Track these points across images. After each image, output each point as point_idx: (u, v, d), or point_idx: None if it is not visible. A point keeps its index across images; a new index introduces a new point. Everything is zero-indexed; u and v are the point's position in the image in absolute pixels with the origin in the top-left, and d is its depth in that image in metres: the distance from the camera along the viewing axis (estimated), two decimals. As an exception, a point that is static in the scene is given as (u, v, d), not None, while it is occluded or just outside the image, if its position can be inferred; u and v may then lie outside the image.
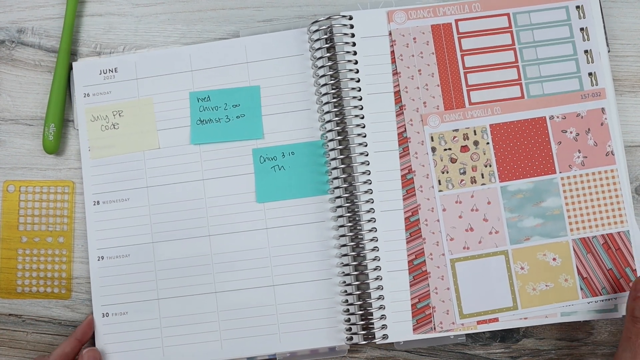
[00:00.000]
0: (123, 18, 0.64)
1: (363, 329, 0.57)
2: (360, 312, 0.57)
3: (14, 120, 0.63)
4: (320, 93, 0.60)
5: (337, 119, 0.59)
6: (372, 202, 0.59)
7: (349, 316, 0.58)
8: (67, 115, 0.63)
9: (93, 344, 0.59)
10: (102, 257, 0.60)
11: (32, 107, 0.63)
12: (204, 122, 0.61)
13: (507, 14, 0.60)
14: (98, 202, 0.61)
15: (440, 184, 0.59)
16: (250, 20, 0.63)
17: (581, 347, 0.60)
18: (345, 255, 0.58)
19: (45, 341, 0.61)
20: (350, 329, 0.58)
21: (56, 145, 0.61)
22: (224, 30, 0.63)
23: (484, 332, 0.59)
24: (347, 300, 0.58)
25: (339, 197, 0.59)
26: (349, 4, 0.63)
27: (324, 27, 0.60)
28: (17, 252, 0.62)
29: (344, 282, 0.58)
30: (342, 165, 0.59)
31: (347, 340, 0.58)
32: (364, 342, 0.57)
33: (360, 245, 0.58)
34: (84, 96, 0.62)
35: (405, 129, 0.59)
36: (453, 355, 0.60)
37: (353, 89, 0.59)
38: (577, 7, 0.60)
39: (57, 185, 0.62)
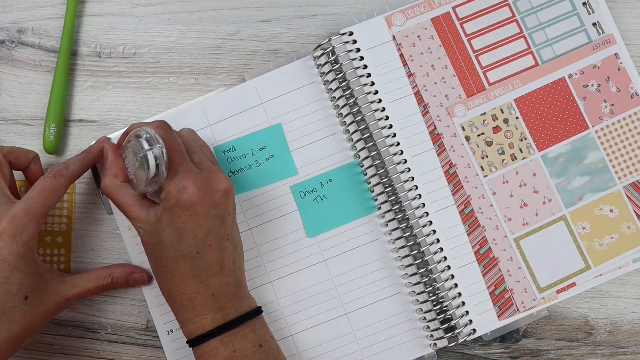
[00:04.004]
0: (123, 18, 0.63)
1: (446, 332, 0.58)
2: (441, 316, 0.58)
3: (14, 120, 0.62)
4: (342, 115, 0.59)
5: (365, 136, 0.59)
6: (424, 206, 0.59)
7: (429, 323, 0.58)
8: (67, 115, 0.62)
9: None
10: (171, 330, 0.60)
11: (32, 107, 0.62)
12: (235, 172, 0.61)
13: (499, -12, 0.61)
14: (151, 277, 0.60)
15: (483, 169, 0.59)
16: (250, 20, 0.63)
17: (581, 347, 0.60)
18: (411, 265, 0.58)
19: (45, 341, 0.61)
20: (432, 335, 0.58)
21: (57, 145, 0.61)
22: (224, 30, 0.63)
23: (485, 333, 0.59)
24: (421, 309, 0.58)
25: (389, 210, 0.59)
26: (349, 4, 0.62)
27: (328, 50, 0.59)
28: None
29: (414, 291, 0.59)
30: (384, 179, 0.59)
31: (433, 346, 0.58)
32: (452, 344, 0.58)
33: (422, 251, 0.58)
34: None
35: (434, 126, 0.60)
36: (453, 355, 0.61)
37: (373, 102, 0.59)
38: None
39: None
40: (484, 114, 0.60)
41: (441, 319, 0.58)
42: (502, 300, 0.58)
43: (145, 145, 0.49)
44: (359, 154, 0.59)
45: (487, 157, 0.59)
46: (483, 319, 0.58)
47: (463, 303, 0.58)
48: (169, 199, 0.50)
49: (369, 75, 0.59)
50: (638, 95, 0.60)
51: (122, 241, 0.61)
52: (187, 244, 0.50)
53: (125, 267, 0.59)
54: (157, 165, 0.49)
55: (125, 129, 0.55)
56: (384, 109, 0.59)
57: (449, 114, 0.60)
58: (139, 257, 0.60)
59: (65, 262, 0.61)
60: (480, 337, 0.59)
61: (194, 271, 0.51)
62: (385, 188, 0.58)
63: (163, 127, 0.51)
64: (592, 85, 0.60)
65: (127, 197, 0.52)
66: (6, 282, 0.50)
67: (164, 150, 0.49)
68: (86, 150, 0.58)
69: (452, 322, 0.58)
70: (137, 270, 0.59)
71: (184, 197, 0.49)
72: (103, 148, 0.56)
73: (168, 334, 0.60)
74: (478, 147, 0.59)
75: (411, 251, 0.58)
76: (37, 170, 0.58)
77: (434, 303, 0.58)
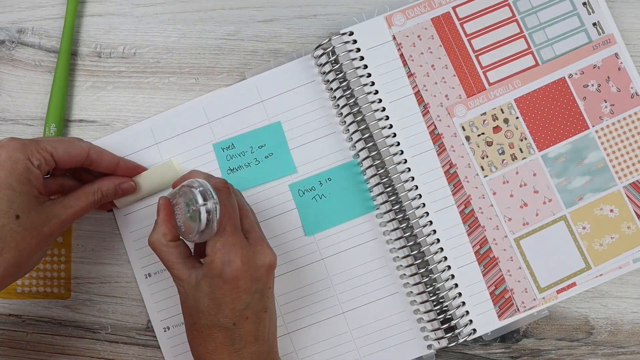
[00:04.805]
0: (123, 18, 0.63)
1: (446, 332, 0.58)
2: (441, 316, 0.58)
3: (14, 121, 0.62)
4: (342, 114, 0.59)
5: (365, 136, 0.59)
6: (424, 206, 0.59)
7: (427, 323, 0.58)
8: (67, 115, 0.62)
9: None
10: (168, 327, 0.60)
11: (32, 107, 0.63)
12: (234, 170, 0.61)
13: (499, -12, 0.61)
14: (149, 275, 0.60)
15: (483, 169, 0.59)
16: (250, 21, 0.63)
17: (581, 347, 0.60)
18: (411, 265, 0.58)
19: (45, 341, 0.61)
20: (428, 336, 0.58)
21: None
22: (224, 30, 0.63)
23: (485, 334, 0.59)
24: (420, 309, 0.58)
25: (389, 210, 0.59)
26: (349, 4, 0.62)
27: (328, 50, 0.59)
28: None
29: (412, 292, 0.58)
30: (384, 179, 0.59)
31: (432, 346, 0.58)
32: (452, 344, 0.58)
33: (422, 251, 0.58)
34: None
35: (435, 126, 0.60)
36: (453, 355, 0.61)
37: (373, 102, 0.59)
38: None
39: None
40: (484, 114, 0.60)
41: (441, 319, 0.58)
42: (502, 300, 0.58)
43: (200, 200, 0.49)
44: (359, 153, 0.59)
45: (487, 157, 0.59)
46: (483, 319, 0.58)
47: (463, 303, 0.58)
48: (212, 268, 0.49)
49: (369, 75, 0.60)
50: (638, 95, 0.60)
51: (122, 241, 0.61)
52: (225, 315, 0.49)
53: (112, 178, 0.57)
54: (207, 221, 0.49)
55: (185, 173, 0.55)
56: (384, 109, 0.59)
57: (449, 114, 0.60)
58: (137, 254, 0.60)
59: (65, 262, 0.61)
60: (480, 337, 0.59)
61: (228, 341, 0.50)
62: (385, 188, 0.58)
63: (224, 189, 0.50)
64: (592, 85, 0.60)
65: (172, 255, 0.51)
66: None
67: (217, 206, 0.49)
68: (120, 157, 0.58)
69: (453, 322, 0.57)
70: (123, 180, 0.58)
71: (228, 271, 0.49)
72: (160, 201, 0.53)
73: (165, 331, 0.60)
74: (478, 147, 0.59)
75: (411, 251, 0.58)
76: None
77: (434, 303, 0.58)
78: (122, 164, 0.57)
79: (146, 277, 0.60)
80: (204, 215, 0.48)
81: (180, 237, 0.52)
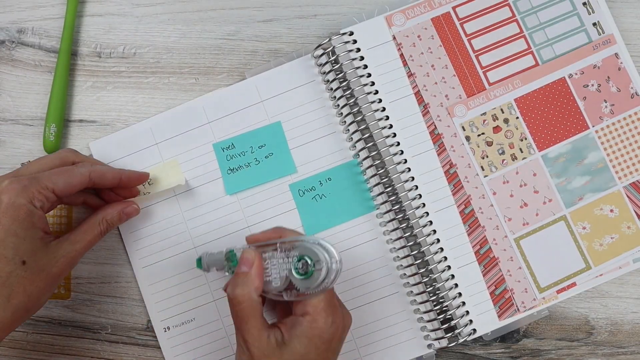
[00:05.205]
0: (123, 18, 0.63)
1: (446, 332, 0.58)
2: (441, 316, 0.58)
3: (14, 121, 0.62)
4: (342, 114, 0.59)
5: (365, 136, 0.59)
6: (424, 206, 0.59)
7: (427, 323, 0.58)
8: (67, 115, 0.62)
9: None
10: (168, 328, 0.60)
11: (32, 107, 0.62)
12: (234, 170, 0.61)
13: (499, -12, 0.61)
14: (149, 275, 0.60)
15: (483, 169, 0.59)
16: (250, 21, 0.63)
17: (581, 347, 0.60)
18: (411, 265, 0.58)
19: (45, 341, 0.61)
20: (428, 336, 0.58)
21: (57, 145, 0.61)
22: (224, 30, 0.63)
23: (485, 334, 0.59)
24: (419, 310, 0.58)
25: (389, 210, 0.59)
26: (349, 4, 0.63)
27: (328, 50, 0.59)
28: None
29: (412, 291, 0.58)
30: (384, 179, 0.59)
31: (432, 346, 0.58)
32: (452, 344, 0.57)
33: (422, 251, 0.58)
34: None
35: (435, 126, 0.60)
36: (453, 355, 0.60)
37: (373, 102, 0.59)
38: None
39: None
40: (484, 114, 0.60)
41: (441, 319, 0.58)
42: (502, 300, 0.58)
43: (326, 257, 0.49)
44: (359, 153, 0.59)
45: (487, 157, 0.59)
46: (483, 319, 0.58)
47: (463, 303, 0.58)
48: (313, 328, 0.48)
49: (369, 75, 0.59)
50: (638, 95, 0.60)
51: (122, 241, 0.61)
52: None
53: (115, 205, 0.57)
54: (324, 279, 0.49)
55: (267, 230, 0.54)
56: (384, 109, 0.59)
57: (449, 114, 0.60)
58: (137, 254, 0.60)
59: (65, 262, 0.61)
60: (480, 337, 0.59)
61: None
62: (385, 188, 0.58)
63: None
64: (592, 85, 0.60)
65: (258, 312, 0.49)
66: (0, 246, 0.48)
67: (341, 265, 0.49)
68: (122, 169, 0.58)
69: (453, 322, 0.57)
70: (127, 204, 0.58)
71: (330, 332, 0.48)
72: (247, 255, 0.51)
73: (165, 331, 0.60)
74: (478, 147, 0.59)
75: (411, 251, 0.58)
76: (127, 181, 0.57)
77: (434, 303, 0.58)
78: (124, 177, 0.57)
79: (146, 277, 0.60)
80: (324, 273, 0.48)
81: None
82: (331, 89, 0.60)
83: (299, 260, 0.49)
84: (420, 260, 0.58)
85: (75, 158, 0.56)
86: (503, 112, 0.60)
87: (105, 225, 0.56)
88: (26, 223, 0.49)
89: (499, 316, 0.58)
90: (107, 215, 0.56)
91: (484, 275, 0.58)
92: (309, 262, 0.49)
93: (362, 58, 0.60)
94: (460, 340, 0.57)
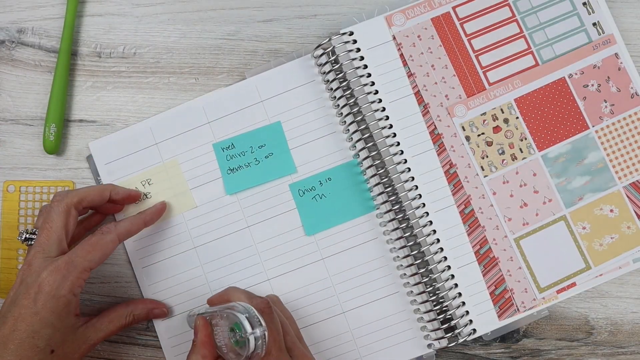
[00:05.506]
0: (123, 18, 0.63)
1: (446, 332, 0.58)
2: (441, 316, 0.58)
3: (14, 121, 0.62)
4: (342, 114, 0.59)
5: (365, 136, 0.59)
6: (424, 206, 0.59)
7: (428, 323, 0.58)
8: (67, 115, 0.62)
9: None
10: (168, 328, 0.60)
11: (32, 107, 0.63)
12: (234, 170, 0.61)
13: (499, -12, 0.61)
14: (149, 275, 0.60)
15: (483, 169, 0.59)
16: (250, 21, 0.63)
17: (581, 347, 0.60)
18: (411, 265, 0.58)
19: None
20: (428, 336, 0.58)
21: (57, 145, 0.61)
22: (224, 30, 0.63)
23: (485, 333, 0.59)
24: (419, 310, 0.58)
25: (389, 210, 0.59)
26: (349, 4, 0.63)
27: (328, 50, 0.59)
28: (18, 252, 0.61)
29: (412, 291, 0.58)
30: (384, 179, 0.59)
31: (432, 346, 0.58)
32: (452, 344, 0.57)
33: (422, 251, 0.58)
34: (108, 174, 0.61)
35: (435, 126, 0.60)
36: (453, 355, 0.60)
37: (373, 102, 0.59)
38: (564, -37, 0.61)
39: (57, 186, 0.62)
40: (484, 114, 0.60)
41: (441, 319, 0.58)
42: (502, 300, 0.58)
43: (249, 328, 0.48)
44: (359, 153, 0.59)
45: (487, 157, 0.59)
46: (483, 319, 0.58)
47: (463, 303, 0.58)
48: None
49: (369, 75, 0.59)
50: (638, 95, 0.60)
51: (123, 246, 0.61)
52: None
53: (145, 302, 0.59)
54: (255, 347, 0.48)
55: (220, 290, 0.54)
56: (384, 109, 0.59)
57: (449, 114, 0.60)
58: (137, 254, 0.60)
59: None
60: (480, 337, 0.59)
61: None
62: (385, 188, 0.58)
63: (267, 311, 0.50)
64: (592, 85, 0.60)
65: None
66: (35, 337, 0.49)
67: (266, 333, 0.48)
68: (142, 211, 0.58)
69: (452, 322, 0.57)
70: (157, 306, 0.59)
71: None
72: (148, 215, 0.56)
73: (165, 331, 0.60)
74: (478, 147, 0.59)
75: (411, 251, 0.58)
76: (119, 198, 0.58)
77: (434, 303, 0.58)
78: (147, 221, 0.58)
79: (146, 277, 0.60)
80: (252, 343, 0.47)
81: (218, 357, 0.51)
82: (331, 89, 0.60)
83: (231, 330, 0.49)
84: (420, 260, 0.58)
85: (115, 195, 0.57)
86: (503, 112, 0.60)
87: (132, 319, 0.57)
88: (63, 313, 0.51)
89: (498, 316, 0.58)
90: (135, 310, 0.58)
91: (483, 275, 0.58)
92: (238, 331, 0.48)
93: (362, 58, 0.60)
94: (460, 340, 0.57)
